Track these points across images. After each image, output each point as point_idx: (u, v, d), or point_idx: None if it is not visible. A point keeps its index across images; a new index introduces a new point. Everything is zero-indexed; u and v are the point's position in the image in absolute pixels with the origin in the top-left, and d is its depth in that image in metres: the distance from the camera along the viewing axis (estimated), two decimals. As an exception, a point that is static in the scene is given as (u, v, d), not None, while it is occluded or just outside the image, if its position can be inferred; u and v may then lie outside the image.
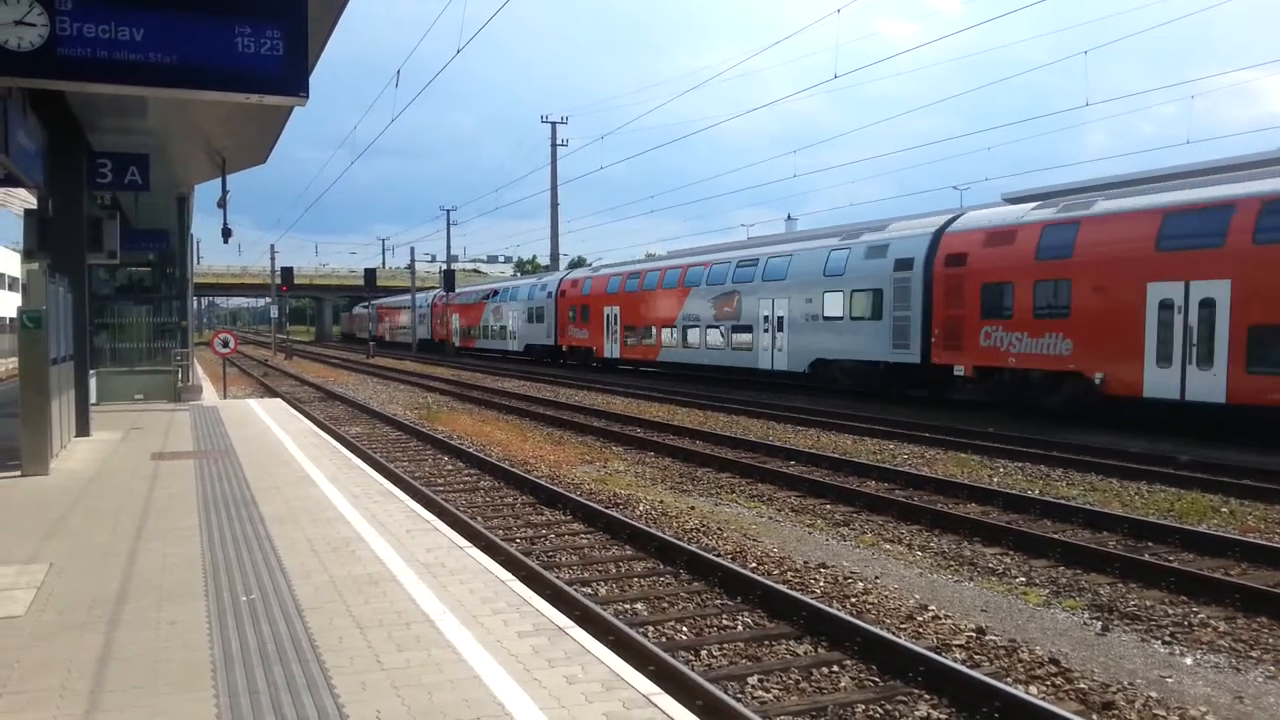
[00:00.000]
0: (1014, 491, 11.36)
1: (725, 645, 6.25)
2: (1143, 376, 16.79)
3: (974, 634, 6.43)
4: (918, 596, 7.40)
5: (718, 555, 8.35)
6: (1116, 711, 5.21)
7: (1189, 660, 6.14)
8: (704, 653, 6.13)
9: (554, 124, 54.98)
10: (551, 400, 24.36)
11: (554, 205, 56.11)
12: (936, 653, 5.86)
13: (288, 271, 56.51)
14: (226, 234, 17.91)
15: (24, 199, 16.29)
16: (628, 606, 7.13)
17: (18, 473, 9.89)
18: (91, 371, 15.72)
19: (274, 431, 14.08)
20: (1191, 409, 16.21)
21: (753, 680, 5.63)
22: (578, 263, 69.10)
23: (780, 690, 5.52)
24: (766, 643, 6.30)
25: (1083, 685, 5.57)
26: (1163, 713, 5.20)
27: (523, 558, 8.16)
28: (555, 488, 11.49)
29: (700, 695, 5.07)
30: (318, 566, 6.30)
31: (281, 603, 5.49)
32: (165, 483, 9.56)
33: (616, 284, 36.71)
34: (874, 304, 23.23)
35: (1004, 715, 5.00)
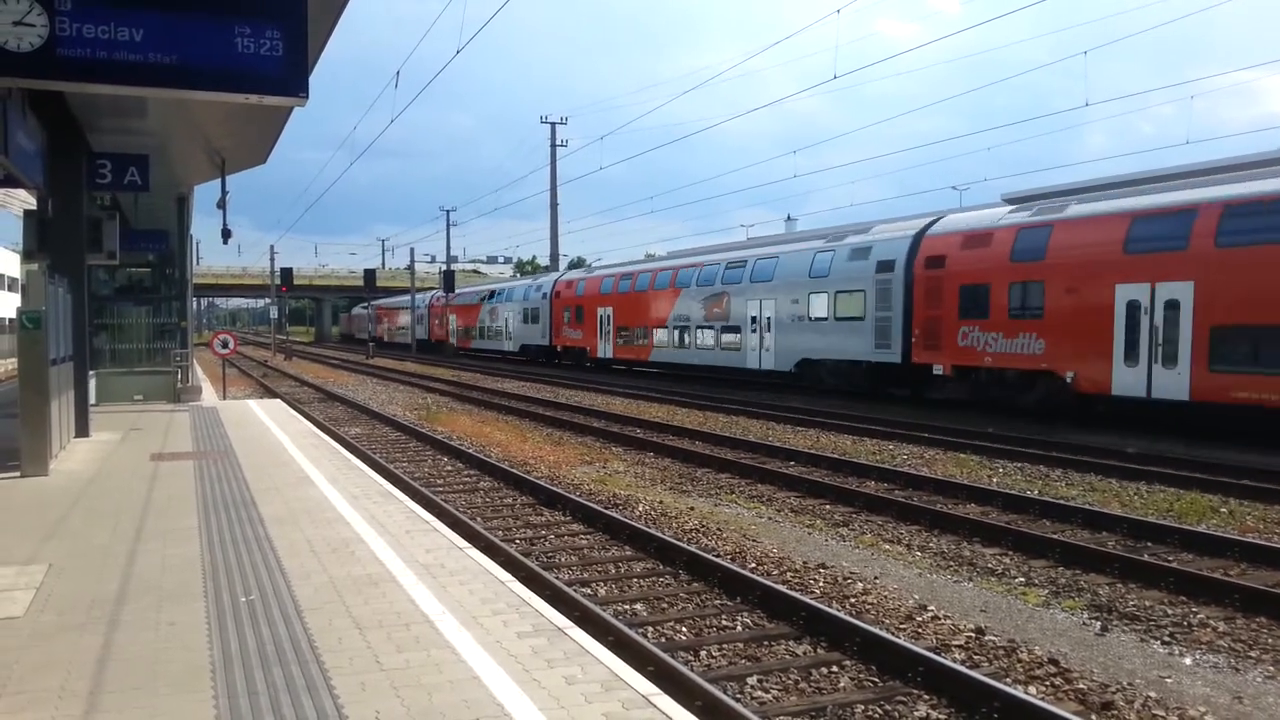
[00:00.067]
0: (1013, 492, 11.36)
1: (725, 646, 6.25)
2: (1111, 375, 17.34)
3: (973, 634, 6.43)
4: (917, 597, 7.40)
5: (717, 556, 8.34)
6: (1116, 712, 5.21)
7: (1188, 660, 6.14)
8: (703, 653, 6.13)
9: (553, 124, 55.01)
10: (550, 401, 24.37)
11: (554, 206, 56.14)
12: (936, 653, 5.87)
13: (287, 272, 56.51)
14: (226, 235, 17.93)
15: (23, 200, 16.32)
16: (627, 607, 7.13)
17: (17, 473, 9.89)
18: (91, 372, 15.72)
19: (273, 432, 14.08)
20: (1157, 407, 16.71)
21: (752, 680, 5.63)
22: (577, 263, 69.13)
23: (779, 690, 5.52)
24: (766, 643, 6.31)
25: (1082, 685, 5.57)
26: (1162, 713, 5.20)
27: (522, 558, 8.16)
28: (555, 488, 11.49)
29: (700, 696, 5.08)
30: (317, 567, 6.30)
31: (281, 604, 5.49)
32: (165, 484, 9.56)
33: (610, 285, 37.23)
34: (857, 305, 23.78)
35: (1003, 715, 5.00)
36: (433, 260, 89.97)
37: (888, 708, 5.26)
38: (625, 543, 9.06)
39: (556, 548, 9.05)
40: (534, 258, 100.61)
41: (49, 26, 6.81)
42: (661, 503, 11.03)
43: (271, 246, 64.36)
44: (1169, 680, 5.78)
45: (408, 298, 65.00)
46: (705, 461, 14.21)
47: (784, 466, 13.71)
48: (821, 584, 7.66)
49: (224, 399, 21.83)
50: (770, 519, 10.48)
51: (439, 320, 60.81)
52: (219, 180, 17.00)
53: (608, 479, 12.84)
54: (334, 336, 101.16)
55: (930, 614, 6.88)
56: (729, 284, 29.22)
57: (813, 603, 6.74)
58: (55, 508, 8.35)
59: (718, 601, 7.24)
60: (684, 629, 6.63)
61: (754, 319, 27.88)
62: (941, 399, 22.26)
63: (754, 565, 8.18)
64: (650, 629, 6.59)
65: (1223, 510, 10.58)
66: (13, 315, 19.09)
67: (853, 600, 7.23)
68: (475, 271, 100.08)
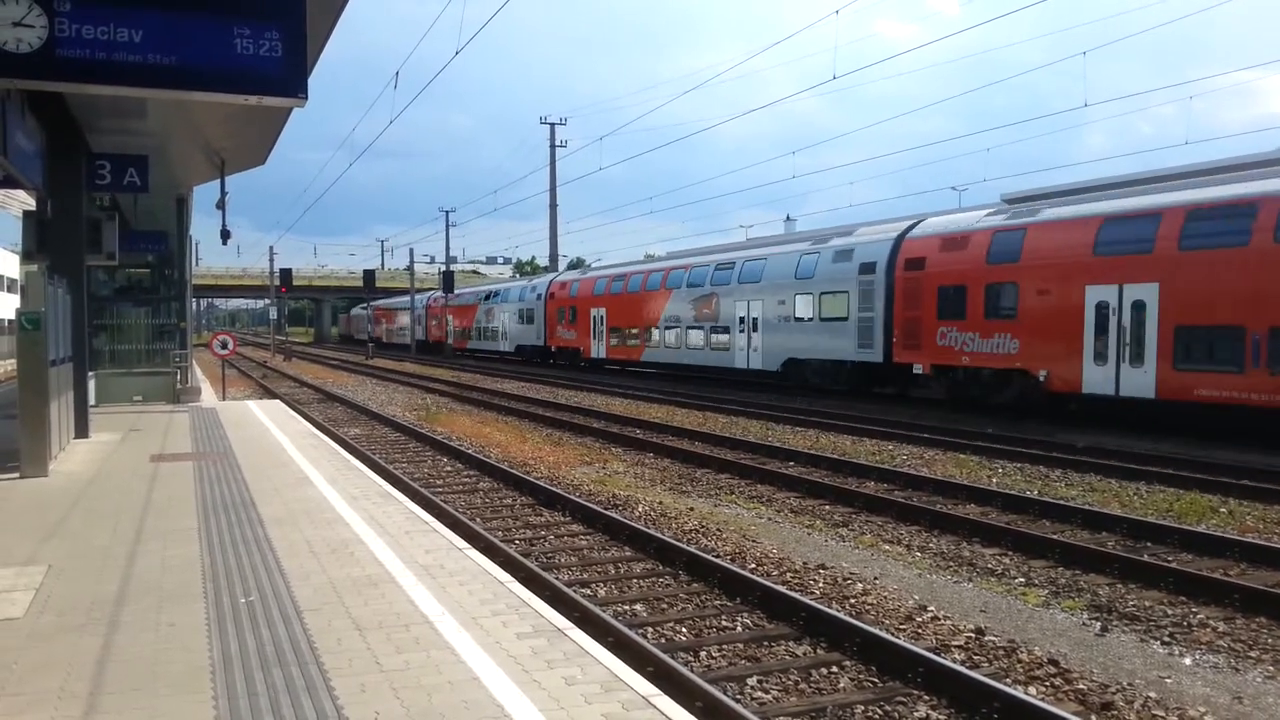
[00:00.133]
0: (1013, 492, 11.36)
1: (724, 646, 6.25)
2: (1082, 374, 17.79)
3: (973, 635, 6.43)
4: (917, 597, 7.40)
5: (717, 556, 8.34)
6: (1115, 712, 5.21)
7: (1188, 660, 6.14)
8: (703, 654, 6.12)
9: (553, 125, 55.10)
10: (549, 401, 24.36)
11: (553, 206, 56.21)
12: (936, 653, 5.86)
13: (286, 273, 56.49)
14: (225, 235, 17.93)
15: (23, 200, 16.28)
16: (627, 608, 7.13)
17: (16, 474, 9.89)
18: (90, 373, 15.71)
19: (273, 433, 14.08)
20: (1125, 404, 17.12)
21: (752, 681, 5.63)
22: (576, 264, 69.10)
23: (779, 691, 5.52)
24: (766, 644, 6.30)
25: (1082, 686, 5.57)
26: (1161, 713, 5.20)
27: (522, 559, 8.16)
28: (554, 489, 11.49)
29: (699, 696, 5.07)
30: (317, 568, 6.30)
31: (280, 605, 5.49)
32: (164, 484, 9.56)
33: (603, 286, 37.68)
34: (841, 306, 24.22)
35: (1003, 716, 5.00)
36: (432, 261, 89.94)
37: (888, 708, 5.26)
38: (625, 543, 9.06)
39: (556, 548, 9.05)
40: (533, 258, 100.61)
41: (48, 27, 6.81)
42: (661, 503, 11.03)
43: (271, 247, 64.52)
44: (1169, 680, 5.78)
45: (407, 299, 64.99)
46: (705, 462, 14.21)
47: (783, 467, 13.71)
48: (821, 584, 7.65)
49: (223, 400, 21.83)
50: (770, 519, 10.48)
51: (437, 321, 60.89)
52: (218, 181, 17.00)
53: (607, 479, 12.84)
54: (333, 337, 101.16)
55: (930, 614, 6.88)
56: (718, 285, 29.70)
57: (812, 603, 6.74)
58: (55, 509, 8.34)
59: (717, 602, 7.24)
60: (684, 630, 6.62)
61: (742, 319, 28.36)
62: (927, 397, 22.60)
63: (754, 566, 8.18)
64: (650, 630, 6.58)
65: (1222, 510, 10.58)
66: (12, 316, 19.09)
67: (852, 601, 7.23)
68: (475, 272, 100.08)
